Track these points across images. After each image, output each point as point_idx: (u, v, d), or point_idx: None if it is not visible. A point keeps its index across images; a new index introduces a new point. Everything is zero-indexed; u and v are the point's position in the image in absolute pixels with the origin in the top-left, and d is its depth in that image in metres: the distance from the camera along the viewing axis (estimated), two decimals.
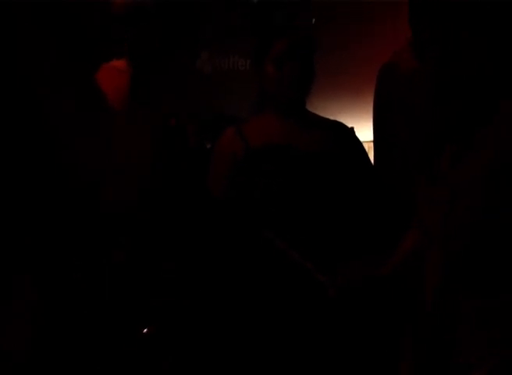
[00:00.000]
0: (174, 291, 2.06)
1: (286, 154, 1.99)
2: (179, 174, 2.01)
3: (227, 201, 1.99)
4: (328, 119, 2.13)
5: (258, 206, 1.97)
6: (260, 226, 1.94)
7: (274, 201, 1.96)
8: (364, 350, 1.98)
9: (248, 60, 3.40)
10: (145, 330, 1.82)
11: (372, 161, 2.36)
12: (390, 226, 1.98)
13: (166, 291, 2.03)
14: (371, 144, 2.55)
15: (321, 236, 2.00)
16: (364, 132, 2.65)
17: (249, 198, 1.99)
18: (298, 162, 1.99)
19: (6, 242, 1.20)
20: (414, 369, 1.50)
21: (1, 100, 1.19)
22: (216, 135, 2.19)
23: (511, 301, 1.28)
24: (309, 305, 1.94)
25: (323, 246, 1.98)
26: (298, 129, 2.03)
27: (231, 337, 2.06)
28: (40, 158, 1.23)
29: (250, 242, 1.98)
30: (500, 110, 1.37)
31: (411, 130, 2.02)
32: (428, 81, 1.52)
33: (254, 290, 2.00)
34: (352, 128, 2.28)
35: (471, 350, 1.31)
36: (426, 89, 1.59)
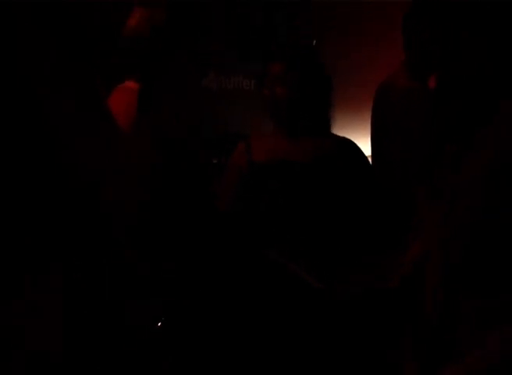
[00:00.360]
0: (174, 290, 2.06)
1: (287, 168, 2.03)
2: (183, 185, 2.04)
3: (233, 214, 2.03)
4: (335, 136, 2.15)
5: (263, 218, 2.02)
6: (260, 241, 1.96)
7: (278, 213, 2.00)
8: (364, 352, 1.98)
9: (252, 80, 3.53)
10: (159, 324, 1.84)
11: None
12: (392, 229, 1.99)
13: (166, 291, 2.03)
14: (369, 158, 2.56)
15: (325, 244, 2.01)
16: (365, 147, 2.66)
17: (254, 210, 2.04)
18: (299, 176, 2.02)
19: (6, 242, 1.20)
20: (414, 370, 1.50)
21: (1, 100, 1.19)
22: (222, 151, 2.26)
23: (511, 301, 1.28)
24: (308, 313, 1.95)
25: (326, 253, 2.00)
26: (299, 145, 2.07)
27: (230, 338, 2.07)
28: (40, 159, 1.23)
29: (251, 252, 2.00)
30: (500, 110, 1.37)
31: (408, 151, 2.02)
32: (425, 96, 1.53)
33: (254, 296, 2.01)
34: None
35: (471, 350, 1.31)
36: (422, 106, 1.60)
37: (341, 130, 2.42)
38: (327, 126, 2.15)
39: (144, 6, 1.86)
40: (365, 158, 2.17)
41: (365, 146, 2.55)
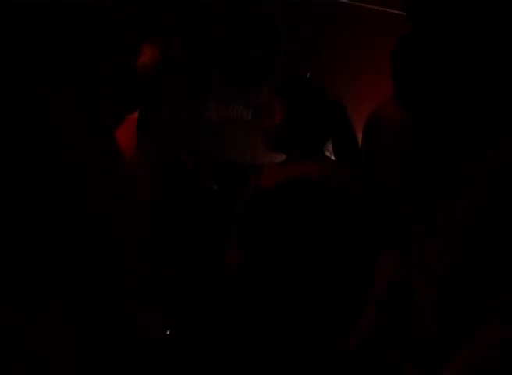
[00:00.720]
0: (174, 292, 2.07)
1: (278, 192, 2.12)
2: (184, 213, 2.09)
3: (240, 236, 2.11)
4: (331, 160, 2.22)
5: (265, 238, 2.10)
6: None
7: (278, 233, 2.08)
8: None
9: (250, 111, 3.68)
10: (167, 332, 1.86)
11: None
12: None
13: (166, 293, 2.04)
14: None
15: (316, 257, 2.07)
16: None
17: (256, 231, 2.13)
18: (286, 199, 2.10)
19: (6, 242, 1.20)
20: (414, 370, 1.50)
21: (2, 100, 1.19)
22: (221, 178, 2.38)
23: (511, 301, 1.28)
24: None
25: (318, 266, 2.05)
26: (295, 171, 2.16)
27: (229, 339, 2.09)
28: (40, 159, 1.23)
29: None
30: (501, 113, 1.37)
31: (396, 179, 2.03)
32: (412, 125, 1.54)
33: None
34: None
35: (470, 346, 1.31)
36: (409, 136, 1.61)
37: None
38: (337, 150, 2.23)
39: (153, 43, 1.89)
40: (356, 186, 2.20)
41: None
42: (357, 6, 3.73)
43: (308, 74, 3.02)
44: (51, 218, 1.27)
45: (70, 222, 1.31)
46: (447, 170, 1.46)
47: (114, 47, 1.92)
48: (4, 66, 1.18)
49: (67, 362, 1.31)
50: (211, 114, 3.57)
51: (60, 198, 1.27)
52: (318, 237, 2.09)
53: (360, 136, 2.28)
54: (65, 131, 1.25)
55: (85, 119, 1.28)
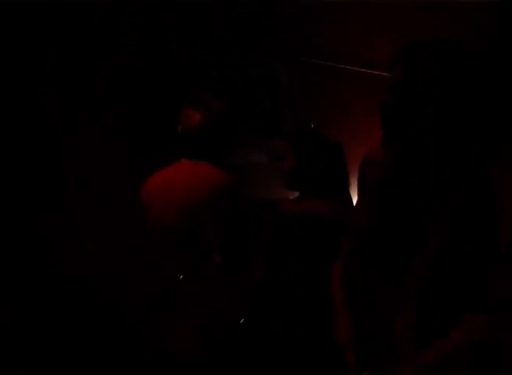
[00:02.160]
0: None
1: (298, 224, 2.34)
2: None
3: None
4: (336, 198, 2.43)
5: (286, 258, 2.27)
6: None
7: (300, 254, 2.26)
8: None
9: (265, 155, 4.13)
10: None
11: None
12: None
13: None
14: None
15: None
16: None
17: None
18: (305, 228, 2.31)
19: (5, 242, 1.20)
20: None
21: (2, 100, 1.19)
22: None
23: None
24: None
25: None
26: (307, 205, 2.37)
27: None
28: (39, 158, 1.23)
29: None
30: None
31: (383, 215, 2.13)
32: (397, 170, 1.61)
33: None
34: None
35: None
36: (396, 180, 1.68)
37: None
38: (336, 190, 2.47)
39: (194, 105, 1.97)
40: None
41: None
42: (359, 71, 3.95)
43: (313, 125, 3.31)
44: (50, 217, 1.27)
45: (69, 219, 1.31)
46: (425, 205, 1.51)
47: (114, 47, 1.93)
48: (4, 66, 1.18)
49: (66, 362, 1.31)
50: (236, 159, 3.97)
51: (59, 196, 1.27)
52: (332, 250, 2.23)
53: (355, 175, 2.47)
54: (65, 131, 1.25)
55: (85, 119, 1.28)
